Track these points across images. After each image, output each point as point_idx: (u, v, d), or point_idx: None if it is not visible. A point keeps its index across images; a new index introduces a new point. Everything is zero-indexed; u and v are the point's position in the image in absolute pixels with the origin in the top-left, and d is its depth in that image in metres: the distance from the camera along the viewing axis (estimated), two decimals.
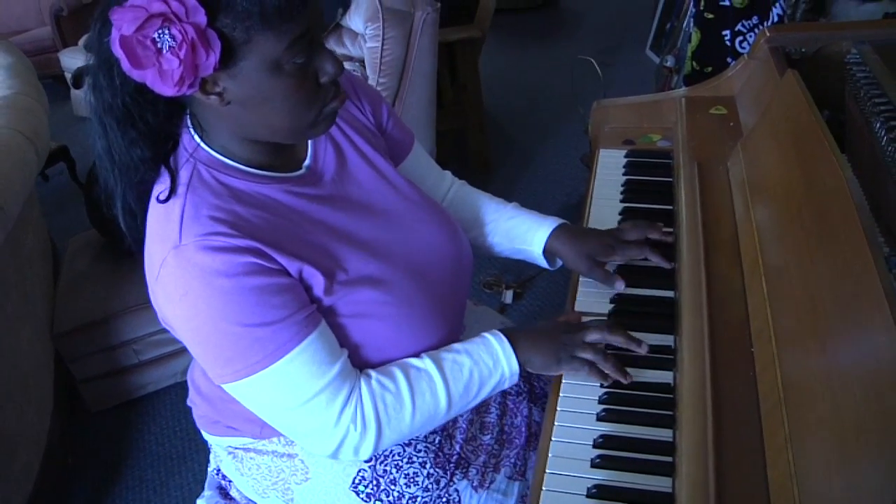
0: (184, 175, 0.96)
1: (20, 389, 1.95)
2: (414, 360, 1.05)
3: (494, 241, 1.34)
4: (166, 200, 0.94)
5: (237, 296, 0.91)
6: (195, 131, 0.99)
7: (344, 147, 1.12)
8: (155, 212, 0.96)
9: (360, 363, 1.04)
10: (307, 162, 1.07)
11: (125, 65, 0.82)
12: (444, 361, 1.05)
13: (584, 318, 1.20)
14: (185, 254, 0.90)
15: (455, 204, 1.36)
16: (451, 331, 1.14)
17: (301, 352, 0.94)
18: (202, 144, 0.98)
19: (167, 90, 0.84)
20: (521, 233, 1.30)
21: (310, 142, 1.09)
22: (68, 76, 4.61)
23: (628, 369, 1.09)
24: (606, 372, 1.08)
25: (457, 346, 1.08)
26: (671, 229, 1.31)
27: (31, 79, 2.49)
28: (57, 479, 2.13)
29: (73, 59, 4.53)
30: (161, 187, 0.96)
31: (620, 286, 1.25)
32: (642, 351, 1.11)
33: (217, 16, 0.82)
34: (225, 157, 0.99)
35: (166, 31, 0.80)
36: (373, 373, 1.03)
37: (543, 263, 1.31)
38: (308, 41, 0.89)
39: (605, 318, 1.22)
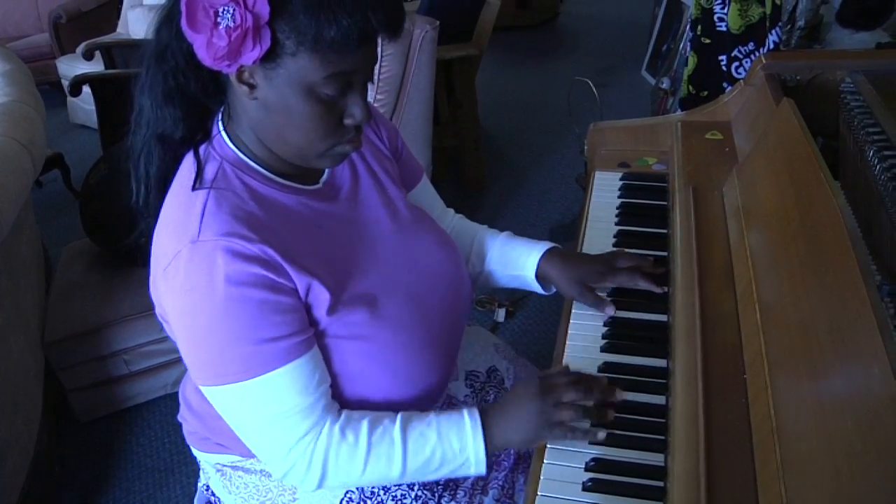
0: (210, 170, 0.98)
1: (9, 398, 1.93)
2: (386, 418, 1.03)
3: (491, 268, 1.33)
4: (192, 190, 0.96)
5: (240, 304, 0.92)
6: (223, 124, 1.01)
7: (359, 168, 1.14)
8: (175, 201, 0.97)
9: (350, 388, 1.04)
10: (325, 178, 1.09)
11: (183, 19, 0.85)
12: (412, 431, 1.02)
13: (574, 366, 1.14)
14: (201, 251, 0.91)
15: (453, 235, 1.36)
16: (445, 360, 1.14)
17: (282, 374, 0.94)
18: (225, 138, 1.00)
19: (206, 60, 0.87)
20: (514, 258, 1.30)
21: None
22: (65, 83, 4.60)
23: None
24: (587, 428, 1.04)
25: (432, 416, 1.04)
26: (662, 263, 1.32)
27: (28, 86, 2.48)
28: (43, 489, 2.10)
29: (70, 67, 4.52)
30: (187, 174, 0.98)
31: (611, 311, 1.25)
32: (619, 398, 1.07)
33: (277, 18, 0.85)
34: (247, 157, 1.00)
35: (230, 11, 0.83)
36: (343, 416, 1.02)
37: (538, 288, 1.31)
38: (348, 81, 0.92)
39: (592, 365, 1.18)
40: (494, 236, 1.35)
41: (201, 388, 0.99)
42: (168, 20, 0.93)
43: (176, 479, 2.21)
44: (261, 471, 1.15)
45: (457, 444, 1.01)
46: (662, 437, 1.03)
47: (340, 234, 1.06)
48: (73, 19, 5.14)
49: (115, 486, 2.21)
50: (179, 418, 1.25)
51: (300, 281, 0.96)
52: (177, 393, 1.27)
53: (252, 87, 0.91)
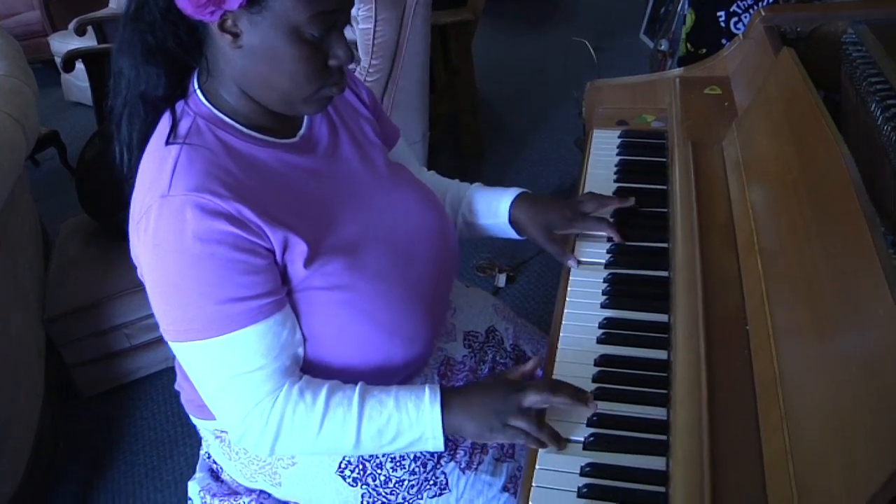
0: (183, 126, 0.97)
1: (11, 374, 1.93)
2: (349, 387, 1.02)
3: (467, 220, 1.35)
4: (166, 144, 0.95)
5: (205, 262, 0.91)
6: (199, 86, 1.01)
7: (337, 124, 1.13)
8: (150, 157, 0.97)
9: (336, 344, 1.04)
10: (302, 131, 1.08)
11: None
12: (370, 398, 1.01)
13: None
14: (171, 206, 0.91)
15: None
16: (431, 312, 1.13)
17: (247, 334, 0.94)
18: (200, 95, 1.00)
19: (189, 9, 0.87)
20: (486, 205, 1.32)
21: None
22: (58, 60, 4.56)
23: (620, 348, 1.09)
24: (541, 440, 0.99)
25: (394, 387, 1.03)
26: (662, 218, 1.32)
27: (18, 60, 2.45)
28: (48, 463, 2.11)
29: (63, 44, 4.48)
30: (162, 131, 0.98)
31: (572, 263, 1.27)
32: (591, 409, 1.01)
33: None
34: (222, 113, 1.00)
35: None
36: (302, 380, 1.01)
37: (514, 234, 1.32)
38: (331, 21, 0.92)
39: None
40: (466, 188, 1.36)
41: (169, 343, 0.99)
42: None
43: (179, 451, 2.21)
44: None
45: (414, 413, 1.00)
46: (664, 392, 1.02)
47: (317, 187, 1.05)
48: None
49: (120, 459, 2.21)
50: (177, 387, 1.25)
51: (276, 236, 0.95)
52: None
53: (235, 35, 0.91)
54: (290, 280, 0.99)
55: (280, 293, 0.97)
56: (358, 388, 1.01)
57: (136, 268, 1.02)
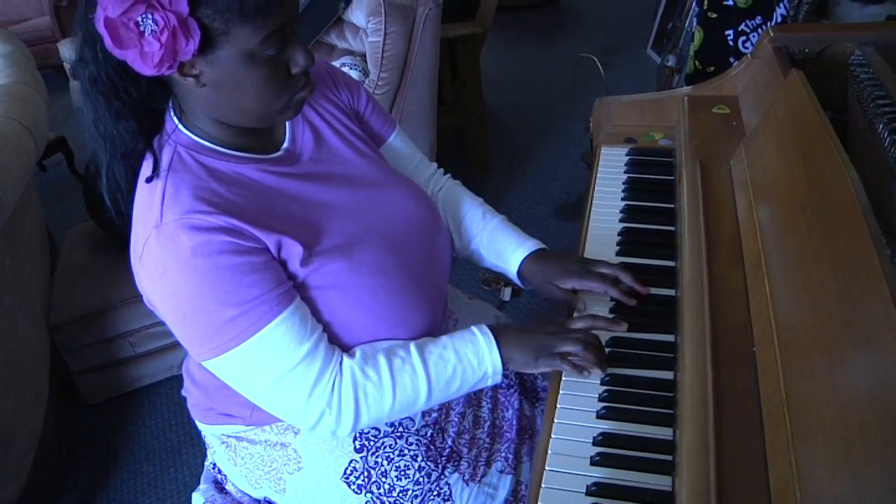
0: (165, 157, 0.99)
1: (16, 380, 1.93)
2: (400, 349, 1.06)
3: (474, 252, 1.34)
4: (149, 181, 0.98)
5: (212, 275, 0.94)
6: (175, 114, 1.02)
7: (321, 128, 1.15)
8: (140, 194, 0.99)
9: (337, 338, 1.06)
10: (286, 145, 1.10)
11: (108, 43, 0.86)
12: (430, 356, 1.07)
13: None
14: (166, 233, 0.93)
15: (443, 206, 1.36)
16: (431, 302, 1.14)
17: (274, 328, 0.97)
18: (181, 127, 1.02)
19: (147, 70, 0.88)
20: (499, 251, 1.30)
21: (288, 125, 1.12)
22: (67, 67, 4.59)
23: (627, 369, 1.10)
24: (583, 365, 1.09)
25: (444, 338, 1.10)
26: (670, 237, 1.29)
27: (29, 67, 2.47)
28: (52, 470, 2.11)
29: (72, 50, 4.50)
30: (147, 169, 0.99)
31: (581, 306, 1.23)
32: (622, 329, 1.15)
33: (199, 6, 0.86)
34: (203, 139, 1.02)
35: (150, 17, 0.84)
36: (357, 355, 1.04)
37: (520, 284, 1.31)
38: (282, 35, 0.93)
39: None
40: (486, 221, 1.32)
41: (205, 363, 1.01)
42: (88, 45, 0.92)
43: (183, 461, 2.21)
44: (265, 441, 1.16)
45: (475, 359, 1.08)
46: (671, 412, 1.02)
47: (306, 193, 1.07)
48: (74, 1, 5.08)
49: (123, 467, 2.22)
50: (184, 392, 1.26)
51: (269, 239, 0.98)
52: (182, 374, 1.27)
53: (197, 77, 0.93)
54: (294, 277, 1.01)
55: (288, 284, 1.00)
56: (414, 351, 1.07)
57: (141, 295, 1.04)
